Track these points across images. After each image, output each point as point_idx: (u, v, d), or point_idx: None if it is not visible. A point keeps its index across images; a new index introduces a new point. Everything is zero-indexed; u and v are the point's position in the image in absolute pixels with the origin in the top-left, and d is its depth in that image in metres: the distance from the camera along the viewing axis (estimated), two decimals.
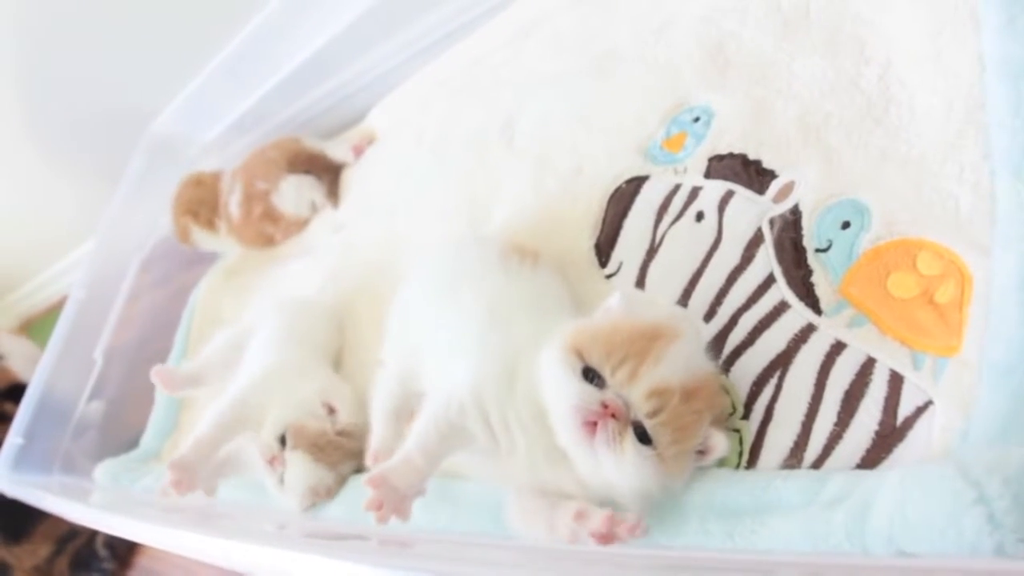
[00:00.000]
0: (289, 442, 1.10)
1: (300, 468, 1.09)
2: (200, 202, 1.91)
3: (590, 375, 0.74)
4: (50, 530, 1.83)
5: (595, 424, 0.71)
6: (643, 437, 0.71)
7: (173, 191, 1.96)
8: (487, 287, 0.93)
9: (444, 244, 1.10)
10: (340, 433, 1.14)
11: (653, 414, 0.70)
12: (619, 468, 0.71)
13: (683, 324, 0.79)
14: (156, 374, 1.34)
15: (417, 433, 0.78)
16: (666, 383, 0.71)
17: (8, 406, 1.82)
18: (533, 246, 1.04)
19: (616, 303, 0.80)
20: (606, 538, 0.70)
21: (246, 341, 1.34)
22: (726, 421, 0.79)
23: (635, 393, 0.71)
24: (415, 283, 1.07)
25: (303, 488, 1.09)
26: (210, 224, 1.92)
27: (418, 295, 1.05)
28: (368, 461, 0.98)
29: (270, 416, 1.13)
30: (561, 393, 0.74)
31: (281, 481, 1.11)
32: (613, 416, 0.71)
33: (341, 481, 1.13)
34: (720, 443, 0.74)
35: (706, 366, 0.78)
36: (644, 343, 0.73)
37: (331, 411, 1.16)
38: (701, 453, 0.74)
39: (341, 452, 1.13)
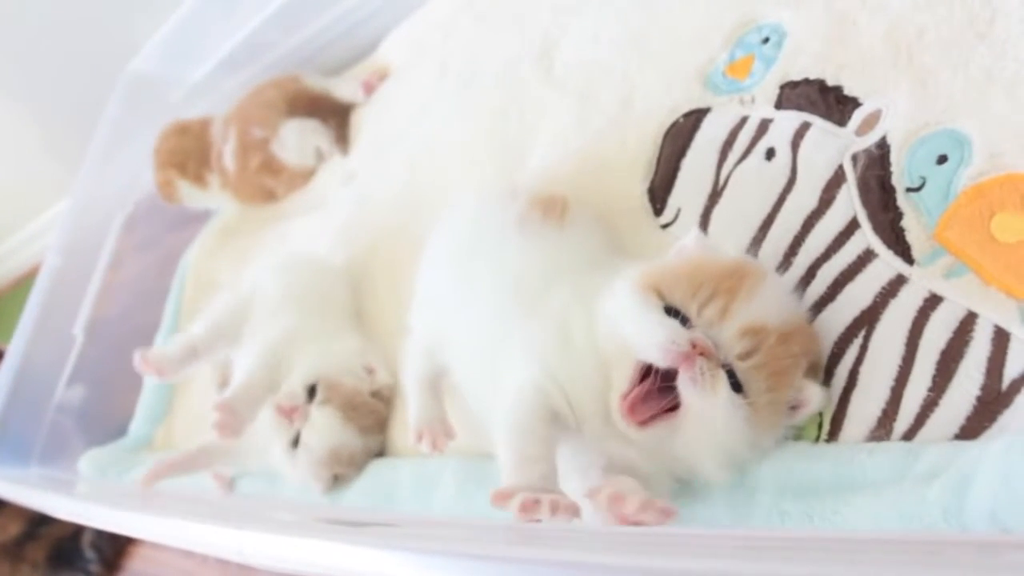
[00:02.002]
0: (320, 395, 1.14)
1: (326, 425, 1.13)
2: (186, 153, 1.94)
3: (672, 314, 0.76)
4: (21, 507, 1.88)
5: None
6: (734, 385, 0.73)
7: (154, 142, 1.99)
8: (507, 266, 0.95)
9: (461, 210, 1.12)
10: (374, 394, 1.18)
11: (747, 355, 0.73)
12: (708, 417, 0.73)
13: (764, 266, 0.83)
14: (143, 361, 1.25)
15: (510, 437, 0.79)
16: (761, 322, 0.74)
17: None
18: (562, 197, 1.05)
19: (692, 241, 0.83)
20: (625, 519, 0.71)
21: (249, 305, 1.37)
22: (817, 372, 0.81)
23: (726, 332, 0.74)
24: (432, 256, 1.11)
25: (323, 450, 1.12)
26: (199, 178, 1.95)
27: (436, 270, 1.09)
28: (413, 439, 1.01)
29: (299, 367, 1.17)
30: (643, 332, 0.76)
31: (294, 445, 1.14)
32: (702, 355, 0.73)
33: (366, 455, 1.17)
34: (815, 395, 0.77)
35: (799, 309, 0.81)
36: (733, 280, 0.76)
37: (371, 371, 1.21)
38: (793, 408, 0.77)
39: (374, 417, 1.17)
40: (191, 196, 2.00)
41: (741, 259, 0.81)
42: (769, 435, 0.77)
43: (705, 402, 0.73)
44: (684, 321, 0.76)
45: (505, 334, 0.89)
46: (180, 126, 1.99)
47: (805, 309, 0.84)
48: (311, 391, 1.15)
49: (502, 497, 0.71)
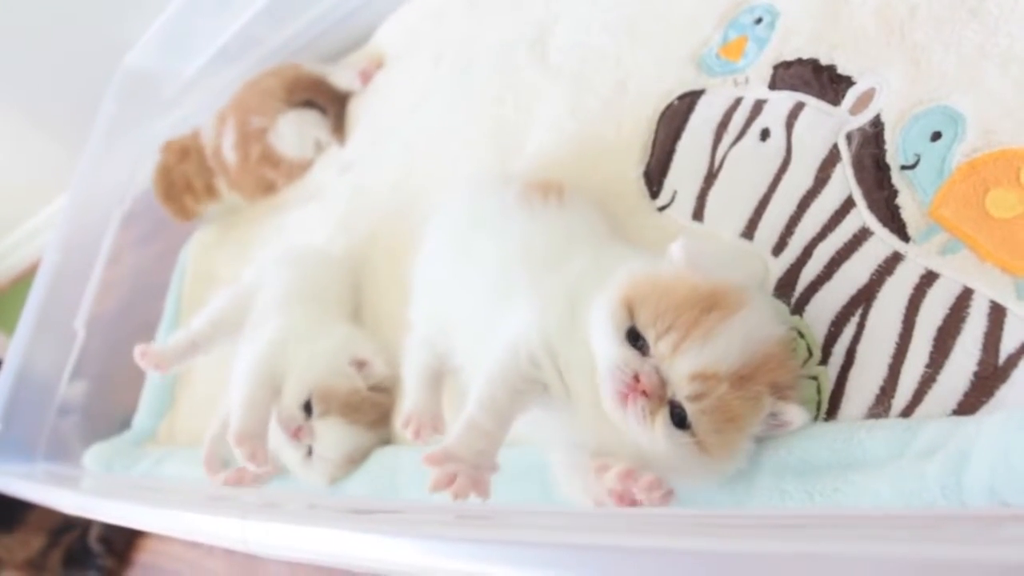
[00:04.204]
0: (316, 408, 1.14)
1: (334, 434, 1.13)
2: (189, 175, 1.95)
3: (636, 337, 0.75)
4: (42, 520, 1.91)
5: (627, 395, 0.73)
6: (682, 420, 0.73)
7: (155, 175, 1.99)
8: (511, 239, 0.95)
9: (456, 196, 1.12)
10: (374, 388, 1.18)
11: (694, 399, 0.72)
12: (651, 448, 0.73)
13: (750, 291, 0.79)
14: (142, 356, 1.29)
15: (480, 393, 0.79)
16: (713, 368, 0.72)
17: None
18: (557, 180, 1.05)
19: (677, 252, 0.80)
20: (623, 498, 0.73)
21: (251, 300, 1.37)
22: (793, 388, 0.79)
23: (676, 371, 0.72)
24: (431, 243, 1.10)
25: (339, 457, 1.13)
26: (210, 191, 1.96)
27: (436, 257, 1.09)
28: (400, 426, 1.02)
29: (289, 382, 1.17)
30: (601, 352, 0.76)
31: (308, 455, 1.15)
32: (644, 393, 0.73)
33: (381, 445, 1.17)
34: (796, 416, 0.75)
35: (772, 332, 0.78)
36: (696, 313, 0.73)
37: (361, 365, 1.20)
38: (778, 426, 0.76)
39: (379, 410, 1.18)
40: (208, 210, 2.01)
41: (720, 287, 0.76)
42: (723, 464, 0.76)
43: (646, 439, 0.73)
44: (645, 346, 0.75)
45: (509, 304, 0.88)
46: (178, 149, 1.98)
47: (785, 326, 0.81)
48: (307, 407, 1.15)
49: (430, 460, 0.73)
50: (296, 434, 1.14)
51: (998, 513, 0.60)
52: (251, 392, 1.15)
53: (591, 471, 0.75)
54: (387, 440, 1.20)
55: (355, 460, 1.14)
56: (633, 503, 0.72)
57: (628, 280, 0.79)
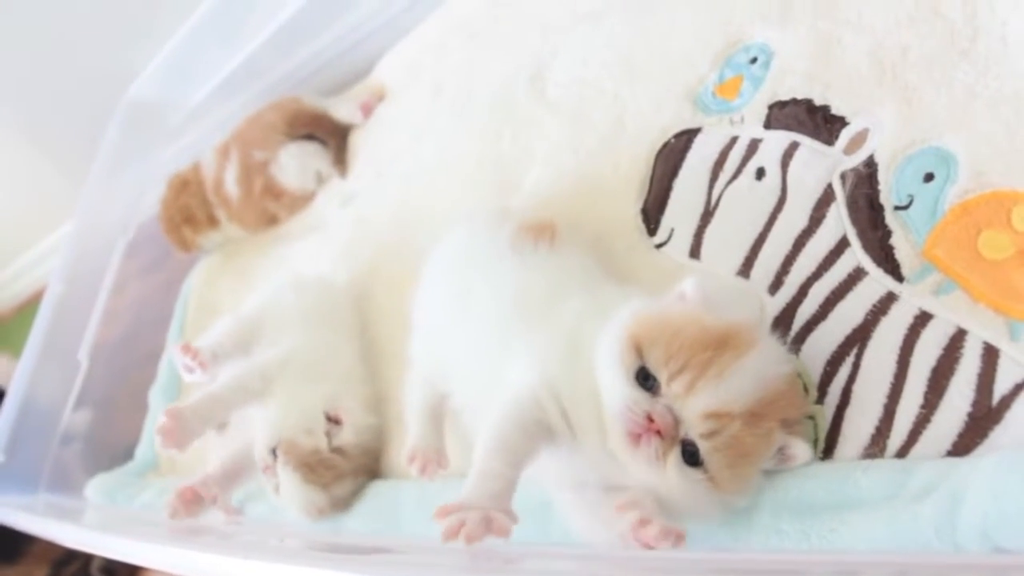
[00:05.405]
0: (280, 457, 1.16)
1: (289, 486, 1.15)
2: (191, 206, 1.96)
3: (645, 377, 0.76)
4: (44, 551, 1.91)
5: (640, 436, 0.74)
6: (694, 458, 0.73)
7: (160, 206, 2.00)
8: (505, 287, 0.96)
9: (453, 235, 1.12)
10: (336, 450, 1.19)
11: (708, 436, 0.72)
12: (663, 486, 0.74)
13: (759, 329, 0.81)
14: (185, 351, 1.26)
15: (488, 440, 0.79)
16: (727, 407, 0.72)
17: None
18: (550, 221, 1.05)
19: (691, 290, 0.81)
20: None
21: (261, 322, 1.38)
22: (801, 424, 0.80)
23: (690, 410, 0.73)
24: (428, 284, 1.11)
25: (295, 504, 1.16)
26: (211, 221, 1.96)
27: (433, 299, 1.09)
28: (405, 462, 1.02)
29: (265, 423, 1.19)
30: (611, 393, 0.77)
31: (276, 490, 1.17)
32: (658, 433, 0.73)
33: (335, 503, 1.18)
34: (801, 452, 0.76)
35: (782, 370, 0.78)
36: (709, 353, 0.74)
37: (336, 422, 1.21)
38: (784, 460, 0.77)
39: (333, 473, 1.18)
40: (208, 239, 2.02)
41: (731, 325, 0.77)
42: (735, 499, 0.76)
43: (658, 479, 0.73)
44: (655, 386, 0.75)
45: (506, 351, 0.89)
46: (180, 181, 1.99)
47: (791, 363, 0.82)
48: (274, 452, 1.17)
49: (441, 514, 0.71)
50: (265, 471, 1.18)
51: (997, 562, 0.60)
52: (223, 389, 1.20)
53: (615, 509, 0.75)
54: (345, 496, 1.20)
55: (311, 513, 1.16)
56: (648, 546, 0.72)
57: (634, 319, 0.79)
